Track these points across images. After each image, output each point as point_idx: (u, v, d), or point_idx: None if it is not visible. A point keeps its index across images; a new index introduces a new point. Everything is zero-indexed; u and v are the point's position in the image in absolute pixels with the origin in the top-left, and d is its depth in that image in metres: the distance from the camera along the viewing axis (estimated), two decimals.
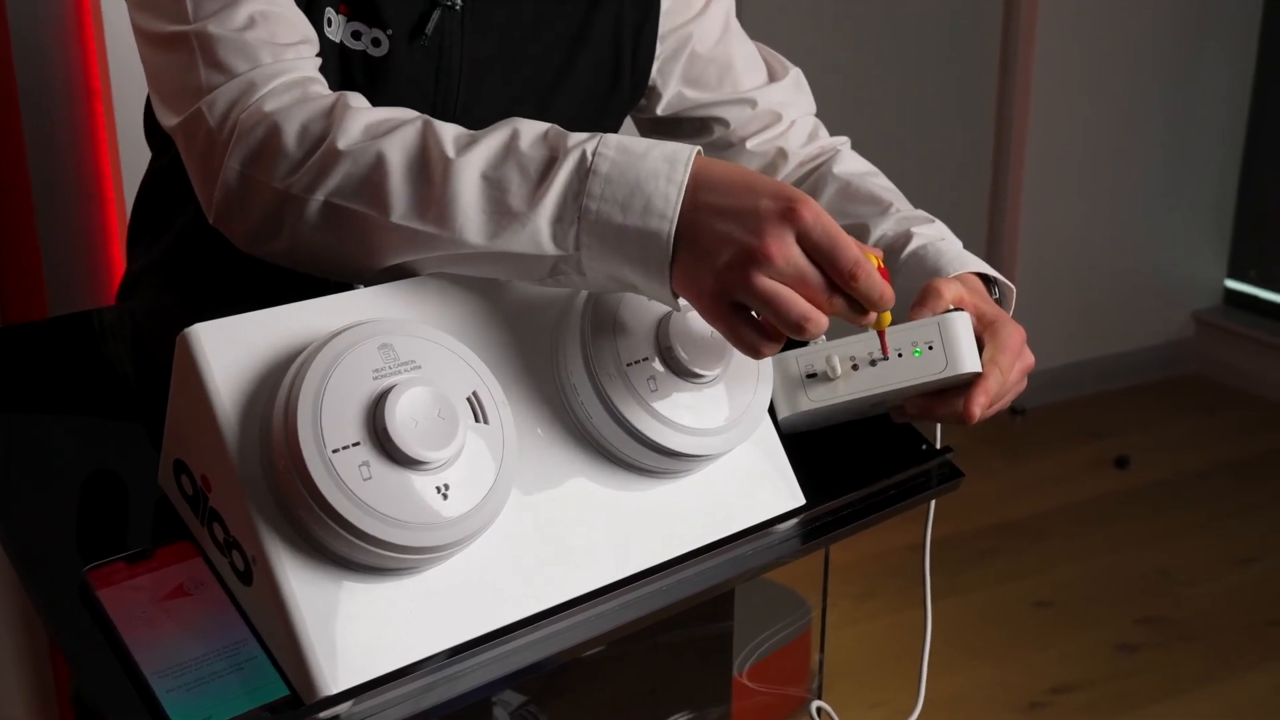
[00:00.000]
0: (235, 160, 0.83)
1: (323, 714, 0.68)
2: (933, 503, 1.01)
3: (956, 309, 0.90)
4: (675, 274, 0.74)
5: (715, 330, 0.78)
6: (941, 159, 3.15)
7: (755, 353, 0.76)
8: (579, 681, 1.06)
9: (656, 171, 0.74)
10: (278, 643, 0.70)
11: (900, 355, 0.88)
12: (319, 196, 0.80)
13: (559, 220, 0.75)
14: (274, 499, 0.69)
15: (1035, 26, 3.14)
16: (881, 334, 0.84)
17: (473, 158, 0.77)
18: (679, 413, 0.81)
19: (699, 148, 0.76)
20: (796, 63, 1.17)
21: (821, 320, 0.74)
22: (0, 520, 0.72)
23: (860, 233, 1.04)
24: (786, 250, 0.72)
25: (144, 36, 0.91)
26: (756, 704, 1.56)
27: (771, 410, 0.89)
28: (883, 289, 0.75)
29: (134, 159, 1.76)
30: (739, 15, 1.17)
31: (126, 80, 1.86)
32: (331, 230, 0.81)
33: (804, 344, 0.90)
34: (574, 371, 0.80)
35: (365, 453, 0.69)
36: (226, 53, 0.85)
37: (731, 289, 0.73)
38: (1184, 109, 3.43)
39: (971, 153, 3.24)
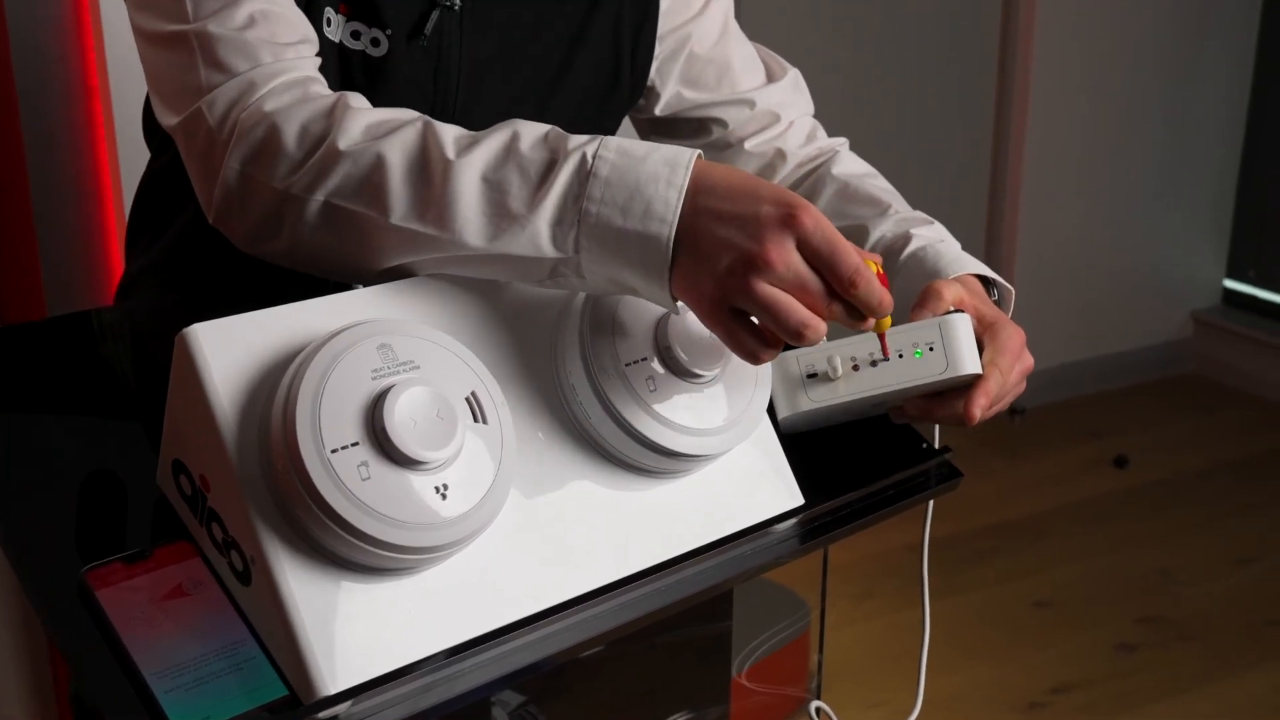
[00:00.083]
0: (235, 160, 0.83)
1: (321, 714, 0.68)
2: (931, 503, 1.01)
3: (957, 310, 0.90)
4: (675, 278, 0.74)
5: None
6: (940, 160, 3.15)
7: (754, 358, 0.76)
8: (578, 682, 1.06)
9: (657, 175, 0.74)
10: (276, 643, 0.70)
11: (901, 356, 0.88)
12: (319, 197, 0.80)
13: (559, 223, 0.75)
14: (273, 499, 0.69)
15: (1034, 27, 3.14)
16: (882, 335, 0.84)
17: (473, 159, 0.77)
18: (678, 413, 0.81)
19: (699, 151, 0.76)
20: (795, 63, 1.17)
21: (820, 327, 0.74)
22: None
23: (859, 234, 1.04)
24: (787, 256, 0.72)
25: (143, 36, 0.90)
26: (755, 704, 1.56)
27: (771, 410, 0.89)
28: (882, 296, 0.75)
29: (133, 159, 1.76)
30: (738, 16, 1.17)
31: (125, 80, 1.86)
32: (331, 230, 0.81)
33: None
34: (573, 372, 0.80)
35: (364, 453, 0.69)
36: (226, 52, 0.85)
37: (731, 294, 0.73)
38: (1183, 109, 3.43)
39: (970, 153, 3.24)
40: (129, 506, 0.77)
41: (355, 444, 0.68)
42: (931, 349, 0.88)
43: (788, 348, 0.81)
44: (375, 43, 0.97)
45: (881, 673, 2.23)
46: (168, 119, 0.89)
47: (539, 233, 0.76)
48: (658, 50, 1.10)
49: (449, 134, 0.79)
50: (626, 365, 0.80)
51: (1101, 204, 3.40)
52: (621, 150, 0.75)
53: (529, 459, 0.79)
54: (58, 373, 0.84)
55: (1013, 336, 0.91)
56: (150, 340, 0.89)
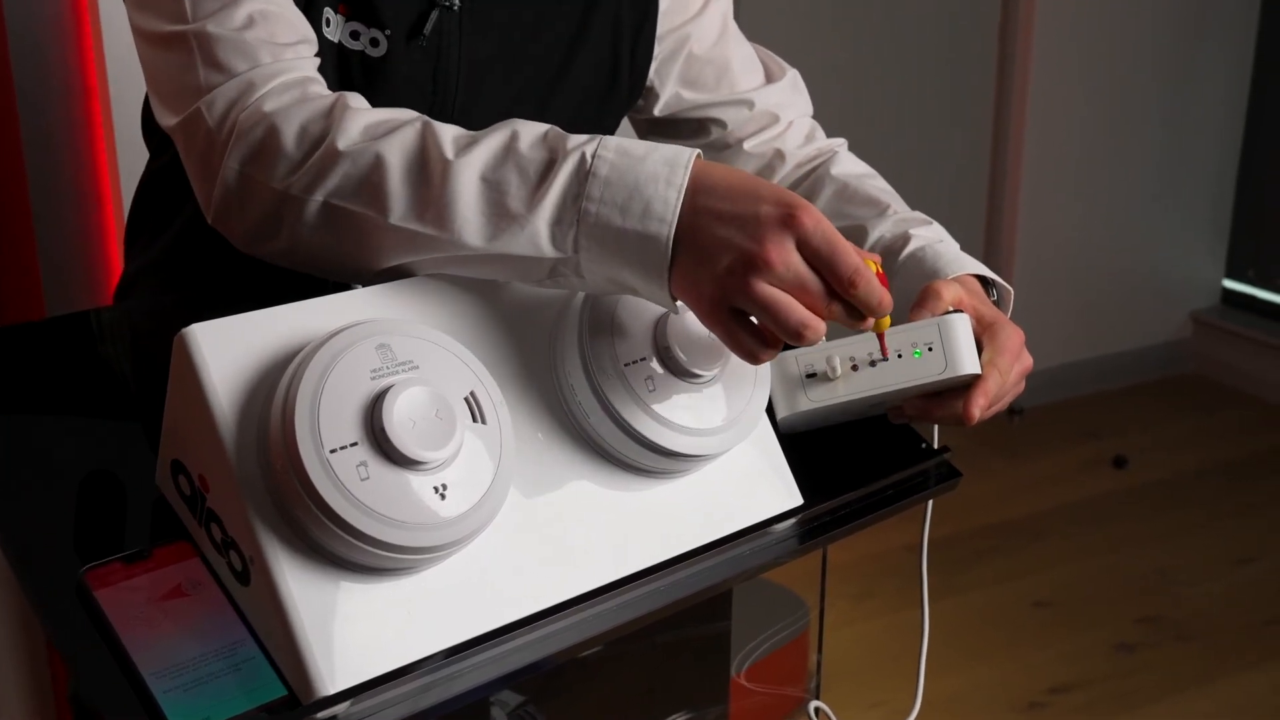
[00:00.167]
0: (234, 160, 0.83)
1: (320, 714, 0.68)
2: (930, 503, 1.01)
3: (955, 310, 0.90)
4: (674, 278, 0.74)
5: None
6: (939, 160, 3.15)
7: (753, 358, 0.76)
8: (577, 682, 1.06)
9: (656, 175, 0.74)
10: (275, 643, 0.70)
11: (900, 356, 0.88)
12: (318, 197, 0.80)
13: (558, 222, 0.75)
14: (272, 499, 0.69)
15: (1033, 27, 3.14)
16: (881, 335, 0.84)
17: (472, 159, 0.77)
18: (677, 413, 0.81)
19: (699, 151, 0.76)
20: (794, 64, 1.17)
21: (820, 327, 0.74)
22: None
23: (858, 234, 1.04)
24: (786, 256, 0.72)
25: (143, 36, 0.90)
26: (754, 704, 1.56)
27: (770, 410, 0.89)
28: (881, 296, 0.75)
29: (132, 159, 1.76)
30: (737, 17, 1.17)
31: (124, 80, 1.85)
32: (330, 231, 0.81)
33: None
34: (572, 372, 0.80)
35: (363, 453, 0.69)
36: (225, 52, 0.85)
37: (731, 294, 0.73)
38: (1182, 109, 3.43)
39: (969, 154, 3.24)
40: (128, 506, 0.77)
41: (354, 444, 0.68)
42: (930, 349, 0.88)
43: (787, 347, 0.81)
44: (374, 43, 0.97)
45: (881, 673, 2.23)
46: (167, 119, 0.89)
47: (538, 232, 0.76)
48: (657, 50, 1.10)
49: (448, 134, 0.79)
50: (625, 365, 0.80)
51: (1101, 204, 3.40)
52: (621, 150, 0.75)
53: (528, 459, 0.79)
54: (57, 373, 0.84)
55: (1012, 336, 0.91)
56: (149, 340, 0.89)
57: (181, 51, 0.86)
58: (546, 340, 0.82)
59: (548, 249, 0.76)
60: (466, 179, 0.77)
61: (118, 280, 1.16)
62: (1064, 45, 3.19)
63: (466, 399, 0.73)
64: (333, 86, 0.89)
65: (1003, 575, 2.63)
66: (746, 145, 1.13)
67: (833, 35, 2.94)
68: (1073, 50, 3.21)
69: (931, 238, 1.00)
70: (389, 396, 0.69)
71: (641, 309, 0.81)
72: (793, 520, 0.88)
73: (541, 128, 0.79)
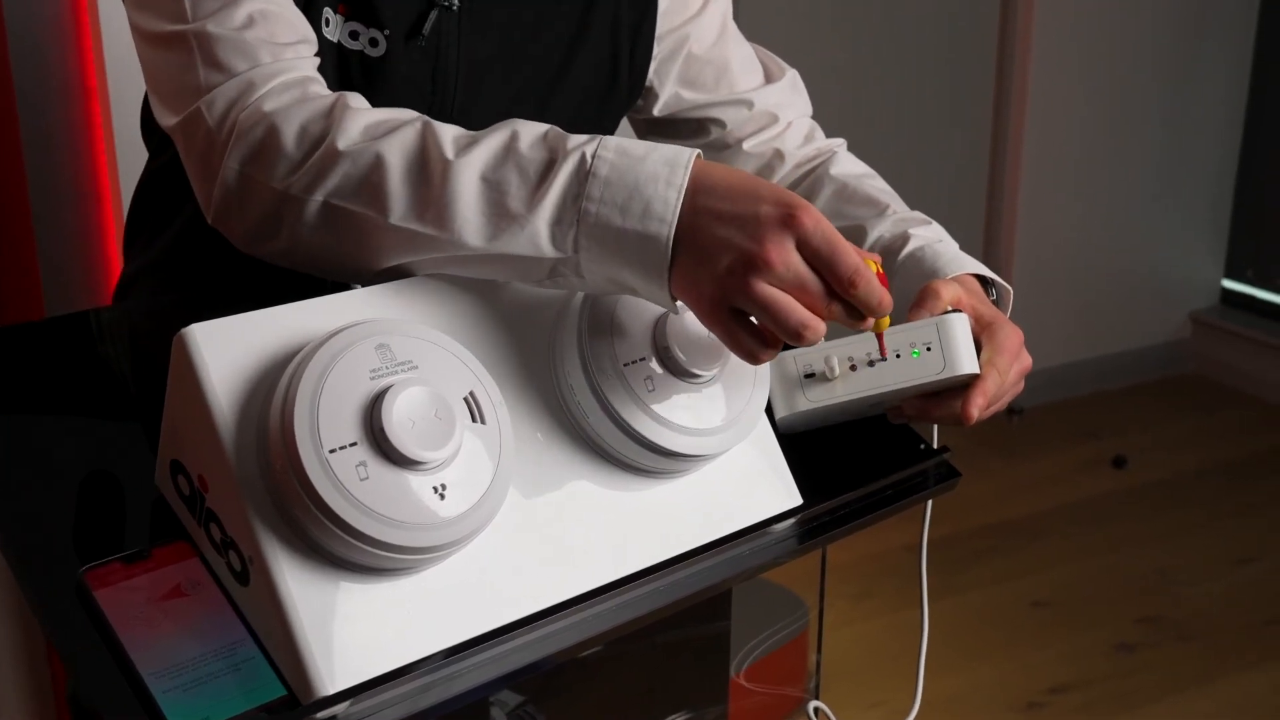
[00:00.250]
0: (234, 160, 0.83)
1: (320, 714, 0.68)
2: (930, 503, 1.01)
3: (954, 310, 0.90)
4: (674, 278, 0.74)
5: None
6: (939, 160, 3.15)
7: (753, 358, 0.76)
8: (576, 682, 1.06)
9: (656, 175, 0.74)
10: (275, 643, 0.70)
11: (898, 356, 0.88)
12: (318, 197, 0.80)
13: (558, 222, 0.75)
14: (271, 499, 0.69)
15: (1032, 28, 3.14)
16: (880, 335, 0.84)
17: (472, 159, 0.77)
18: (676, 413, 0.81)
19: (699, 151, 0.76)
20: (793, 64, 1.17)
21: (820, 327, 0.74)
22: None
23: (857, 234, 1.04)
24: (786, 256, 0.72)
25: (142, 36, 0.90)
26: (754, 704, 1.56)
27: (769, 410, 0.89)
28: (881, 296, 0.75)
29: (131, 159, 1.76)
30: (736, 17, 1.17)
31: (124, 80, 1.85)
32: (330, 231, 0.81)
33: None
34: (571, 372, 0.80)
35: (362, 453, 0.69)
36: (225, 52, 0.85)
37: (730, 294, 0.73)
38: (1181, 109, 3.43)
39: (969, 154, 3.24)
40: (127, 507, 0.77)
41: (353, 444, 0.68)
42: (929, 349, 0.88)
43: (787, 347, 0.81)
44: (373, 43, 0.97)
45: (880, 673, 2.23)
46: (167, 119, 0.89)
47: (538, 232, 0.76)
48: (656, 50, 1.10)
49: (448, 134, 0.79)
50: (625, 365, 0.80)
51: (1100, 204, 3.40)
52: (621, 150, 0.75)
53: (527, 459, 0.79)
54: (56, 373, 0.84)
55: (1011, 336, 0.91)
56: (149, 340, 0.89)
57: (181, 51, 0.86)
58: (546, 340, 0.82)
59: (548, 249, 0.76)
60: (466, 179, 0.77)
61: (117, 280, 1.16)
62: (1063, 45, 3.19)
63: (466, 399, 0.73)
64: (332, 86, 0.89)
65: (1002, 575, 2.63)
66: (746, 145, 1.13)
67: (832, 35, 2.94)
68: (1072, 50, 3.21)
69: (930, 237, 1.00)
70: (388, 396, 0.69)
71: (641, 309, 0.81)
72: (792, 520, 0.88)
73: (541, 128, 0.79)
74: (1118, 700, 2.26)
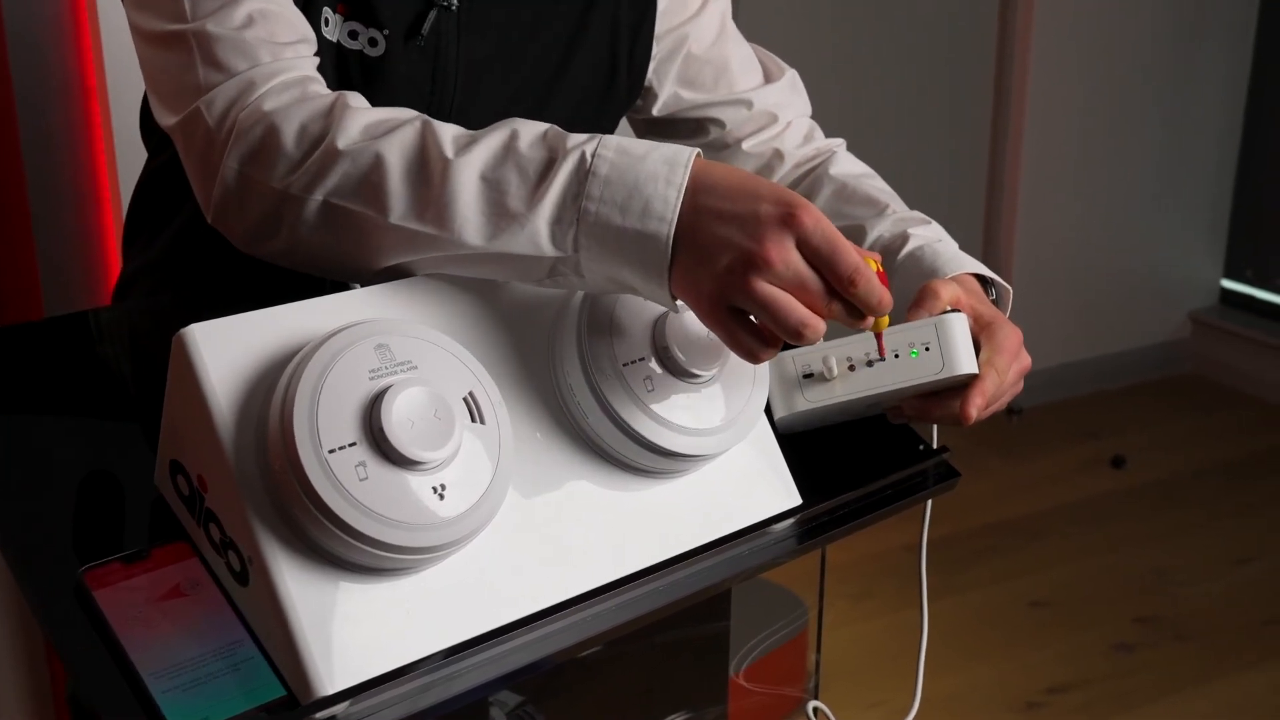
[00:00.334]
0: (234, 159, 0.83)
1: (319, 714, 0.68)
2: (929, 502, 1.01)
3: (953, 310, 0.90)
4: (674, 277, 0.74)
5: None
6: (938, 160, 3.15)
7: (753, 357, 0.76)
8: (576, 682, 1.06)
9: (656, 174, 0.74)
10: (274, 643, 0.70)
11: (897, 356, 0.88)
12: (317, 196, 0.80)
13: (558, 221, 0.75)
14: (270, 499, 0.69)
15: (1031, 27, 3.15)
16: (879, 335, 0.84)
17: (471, 158, 0.77)
18: (675, 413, 0.81)
19: (698, 150, 0.76)
20: (793, 64, 1.17)
21: (820, 326, 0.74)
22: None
23: (856, 234, 1.04)
24: (786, 255, 0.72)
25: (142, 35, 0.90)
26: (753, 704, 1.56)
27: (768, 410, 0.89)
28: (881, 294, 0.75)
29: (130, 158, 1.76)
30: (736, 17, 1.17)
31: (123, 79, 1.85)
32: (330, 230, 0.81)
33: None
34: (570, 372, 0.80)
35: (362, 453, 0.69)
36: (225, 52, 0.85)
37: (730, 293, 0.73)
38: (1180, 110, 3.44)
39: (968, 154, 3.24)
40: (127, 507, 0.77)
41: (353, 444, 0.68)
42: (928, 349, 0.88)
43: (787, 347, 0.80)
44: (373, 42, 0.97)
45: (879, 672, 2.23)
46: (166, 119, 0.89)
47: (538, 231, 0.76)
48: (655, 50, 1.10)
49: (448, 133, 0.79)
50: (624, 365, 0.80)
51: (1099, 204, 3.40)
52: (621, 149, 0.75)
53: (527, 459, 0.79)
54: (55, 373, 0.84)
55: (1010, 336, 0.91)
56: (148, 340, 0.89)
57: (181, 51, 0.86)
58: (545, 340, 0.82)
59: (547, 248, 0.76)
60: (466, 178, 0.77)
61: (116, 280, 1.16)
62: (1063, 45, 3.19)
63: (465, 399, 0.73)
64: (331, 86, 0.89)
65: (1001, 575, 2.63)
66: (745, 145, 1.13)
67: (832, 35, 2.94)
68: (1071, 50, 3.21)
69: (930, 237, 1.00)
70: (388, 396, 0.69)
71: (640, 309, 0.81)
72: (791, 520, 0.88)
73: (541, 127, 0.79)
74: (1116, 700, 2.26)
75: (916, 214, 1.05)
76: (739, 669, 1.58)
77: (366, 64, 0.97)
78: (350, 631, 0.70)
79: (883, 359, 0.88)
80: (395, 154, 0.79)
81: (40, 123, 1.86)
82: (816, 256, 0.73)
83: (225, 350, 0.71)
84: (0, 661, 1.68)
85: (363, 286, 0.79)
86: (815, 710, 1.14)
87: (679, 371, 0.81)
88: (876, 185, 1.09)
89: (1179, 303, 3.62)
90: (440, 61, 1.00)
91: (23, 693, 1.69)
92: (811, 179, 1.11)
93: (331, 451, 0.68)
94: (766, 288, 0.72)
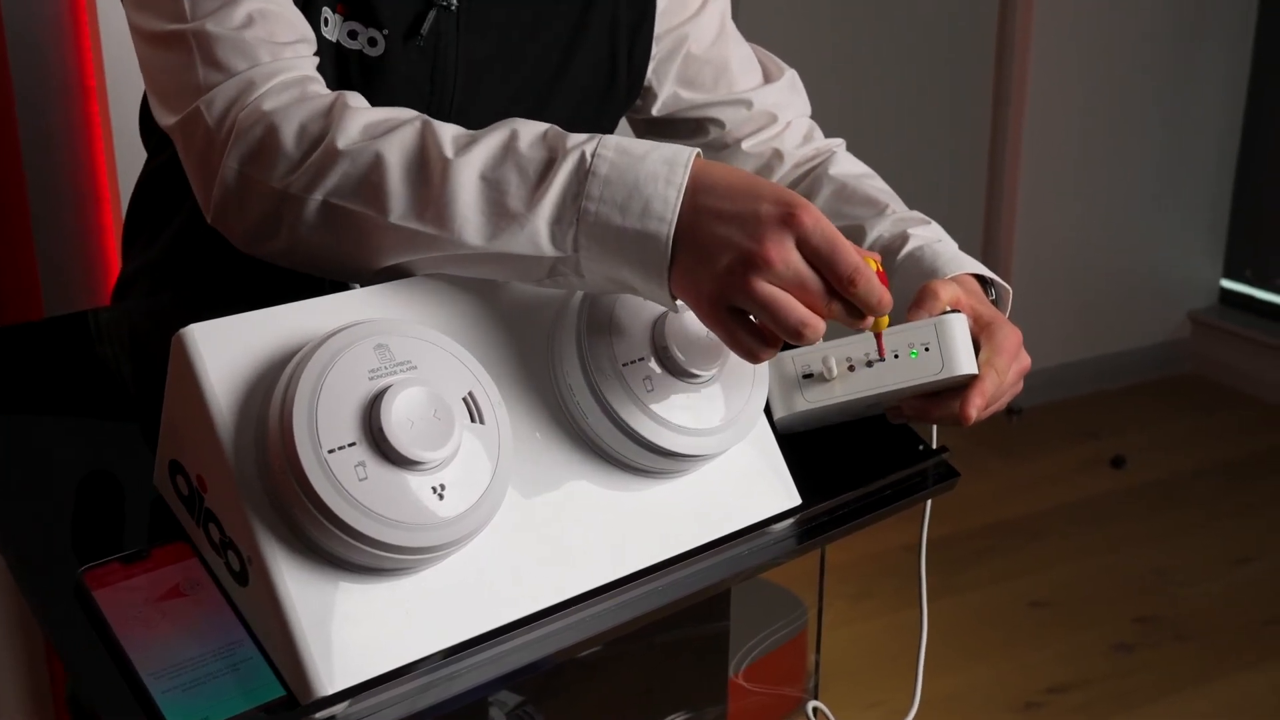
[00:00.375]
0: (233, 159, 0.83)
1: (319, 714, 0.68)
2: (929, 503, 1.01)
3: (953, 310, 0.90)
4: (674, 276, 0.74)
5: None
6: (938, 160, 3.15)
7: (752, 357, 0.76)
8: (575, 682, 1.06)
9: (655, 174, 0.74)
10: (274, 643, 0.70)
11: (897, 357, 0.88)
12: (317, 196, 0.80)
13: (557, 221, 0.75)
14: (270, 499, 0.69)
15: (1031, 27, 3.15)
16: (878, 335, 0.84)
17: (471, 158, 0.77)
18: (675, 413, 0.81)
19: (698, 150, 0.76)
20: (792, 64, 1.17)
21: (819, 326, 0.74)
22: None
23: (856, 234, 1.04)
24: (786, 255, 0.72)
25: (141, 35, 0.90)
26: (753, 704, 1.56)
27: (768, 410, 0.89)
28: (881, 294, 0.75)
29: (130, 159, 1.76)
30: (735, 17, 1.17)
31: (122, 79, 1.85)
32: (330, 230, 0.81)
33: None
34: (570, 372, 0.80)
35: (361, 453, 0.69)
36: (225, 51, 0.85)
37: (730, 293, 0.73)
38: (1180, 110, 3.44)
39: (967, 154, 3.24)
40: (126, 507, 0.77)
41: (352, 444, 0.68)
42: (927, 349, 0.88)
43: (787, 347, 0.80)
44: (372, 42, 0.97)
45: (879, 672, 2.23)
46: (166, 119, 0.89)
47: (538, 231, 0.76)
48: (654, 50, 1.10)
49: (447, 133, 0.79)
50: (624, 365, 0.80)
51: (1099, 204, 3.40)
52: (620, 149, 0.75)
53: (526, 459, 0.79)
54: (55, 373, 0.84)
55: (1009, 336, 0.91)
56: (147, 341, 0.89)
57: (180, 51, 0.86)
58: (545, 340, 0.82)
59: (547, 248, 0.76)
60: (466, 178, 0.77)
61: (116, 280, 1.16)
62: (1062, 45, 3.19)
63: (465, 399, 0.73)
64: (330, 86, 0.89)
65: (1001, 575, 2.64)
66: (745, 145, 1.13)
67: (832, 35, 2.94)
68: (1071, 50, 3.21)
69: (930, 237, 1.00)
70: (387, 396, 0.69)
71: (640, 309, 0.81)
72: (791, 520, 0.88)
73: (541, 127, 0.79)
74: (1116, 700, 2.27)
75: (916, 214, 1.05)
76: (739, 669, 1.58)
77: (366, 64, 0.97)
78: (350, 631, 0.70)
79: (882, 359, 0.88)
80: (395, 154, 0.79)
81: (40, 123, 1.86)
82: (816, 256, 0.73)
83: (225, 350, 0.71)
84: (0, 662, 1.68)
85: (362, 286, 0.79)
86: (815, 710, 1.14)
87: (678, 371, 0.81)
88: (876, 185, 1.09)
89: (1178, 303, 3.62)
90: (440, 61, 1.00)
91: (23, 693, 1.69)
92: (811, 179, 1.11)
93: (331, 451, 0.68)
94: (766, 288, 0.72)
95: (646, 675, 1.12)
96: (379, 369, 0.71)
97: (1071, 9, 3.18)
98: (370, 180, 0.79)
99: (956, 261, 0.98)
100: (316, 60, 0.90)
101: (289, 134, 0.82)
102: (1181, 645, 2.42)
